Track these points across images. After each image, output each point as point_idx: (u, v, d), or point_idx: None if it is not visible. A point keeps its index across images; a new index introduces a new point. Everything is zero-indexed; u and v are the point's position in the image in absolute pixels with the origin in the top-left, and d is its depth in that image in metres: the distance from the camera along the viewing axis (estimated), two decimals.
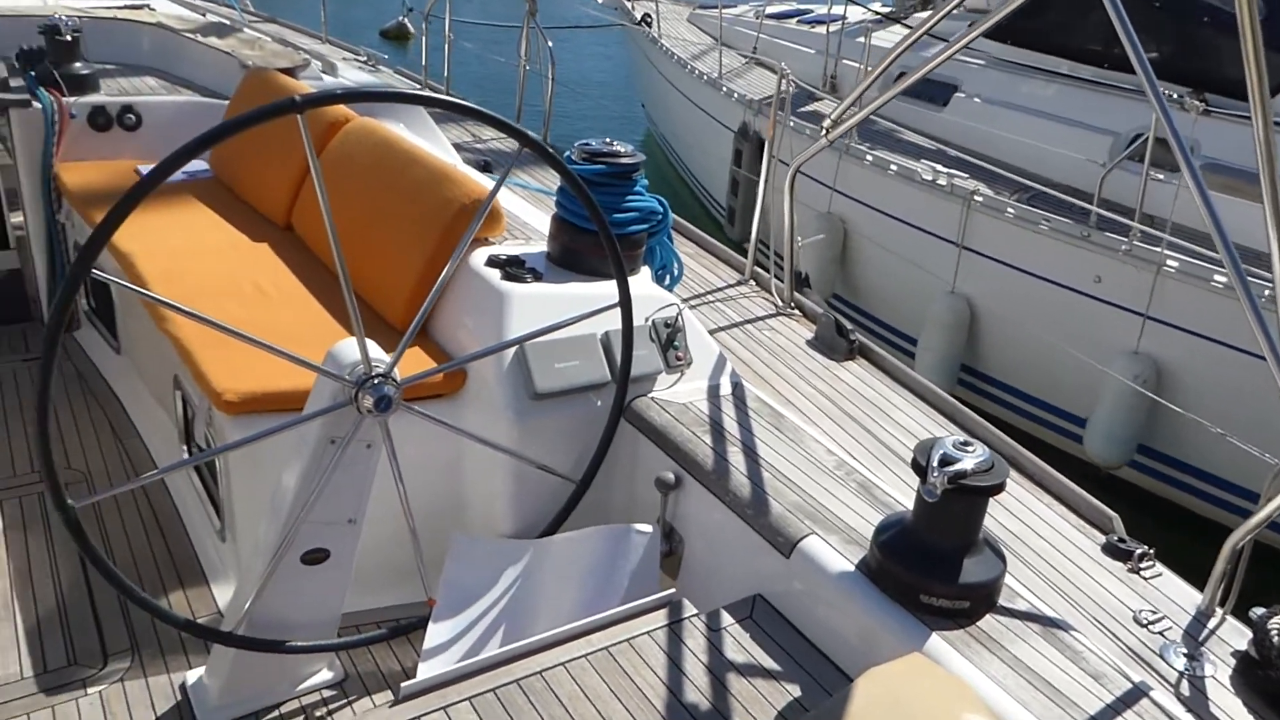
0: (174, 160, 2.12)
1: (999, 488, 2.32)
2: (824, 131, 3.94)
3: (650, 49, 13.03)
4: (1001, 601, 2.41)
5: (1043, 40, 8.69)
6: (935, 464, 2.27)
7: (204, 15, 7.00)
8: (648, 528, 2.92)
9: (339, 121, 4.03)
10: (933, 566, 2.34)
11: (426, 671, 2.59)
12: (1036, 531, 2.85)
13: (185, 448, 3.55)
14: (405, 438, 2.63)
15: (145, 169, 4.59)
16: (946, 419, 3.41)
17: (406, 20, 20.03)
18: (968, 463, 2.28)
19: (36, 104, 4.56)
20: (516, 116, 6.70)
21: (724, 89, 10.45)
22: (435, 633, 2.74)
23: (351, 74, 5.51)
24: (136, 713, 2.72)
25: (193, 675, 2.82)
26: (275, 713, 2.75)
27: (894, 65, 3.77)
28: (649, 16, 13.18)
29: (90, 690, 2.78)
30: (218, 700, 2.71)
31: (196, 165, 4.69)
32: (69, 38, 4.72)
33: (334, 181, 3.72)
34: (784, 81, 4.75)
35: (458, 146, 5.07)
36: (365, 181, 3.65)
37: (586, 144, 3.35)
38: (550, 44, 6.33)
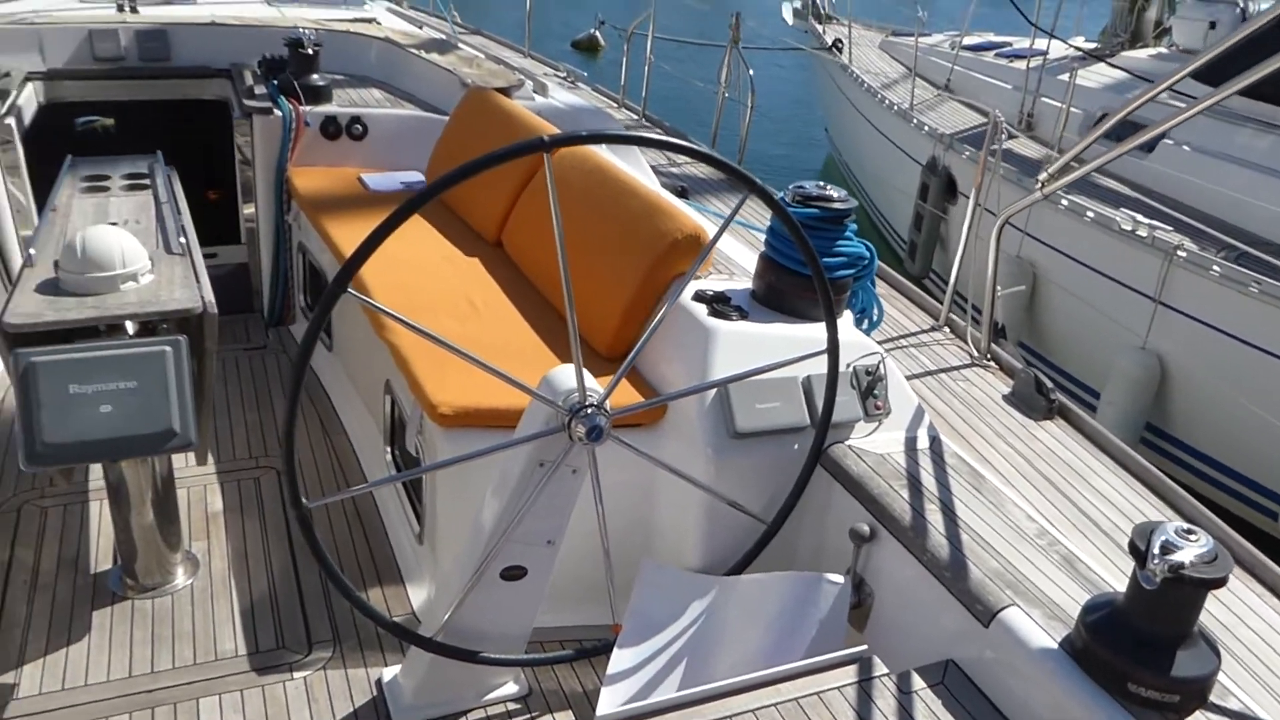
0: (433, 190, 2.24)
1: (1221, 581, 2.22)
2: (1039, 185, 3.85)
3: (839, 75, 12.95)
4: (1213, 699, 2.31)
5: (1259, 88, 8.24)
6: (1156, 550, 2.19)
7: (420, 27, 7.35)
8: (839, 578, 2.91)
9: None
10: (1144, 655, 2.26)
11: (609, 697, 2.66)
12: (1249, 625, 2.71)
13: (389, 449, 3.74)
14: (605, 464, 2.71)
15: (368, 176, 4.87)
16: (1150, 491, 3.28)
17: (598, 33, 20.47)
18: (1190, 553, 2.19)
19: (277, 111, 4.89)
20: (712, 142, 6.77)
21: (914, 121, 10.29)
22: (619, 659, 2.80)
23: (560, 94, 5.68)
24: (336, 702, 2.89)
25: (389, 672, 2.97)
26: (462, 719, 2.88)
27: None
28: (840, 42, 13.10)
29: (296, 675, 2.96)
30: (411, 700, 2.85)
31: (413, 177, 4.94)
32: (310, 51, 5.04)
33: (546, 205, 3.85)
34: (995, 126, 4.66)
35: (654, 169, 5.18)
36: (578, 206, 3.77)
37: (801, 187, 3.37)
38: (751, 72, 6.37)
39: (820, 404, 3.02)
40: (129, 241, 2.98)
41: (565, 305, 3.61)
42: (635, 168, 4.63)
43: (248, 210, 5.10)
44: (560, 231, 2.42)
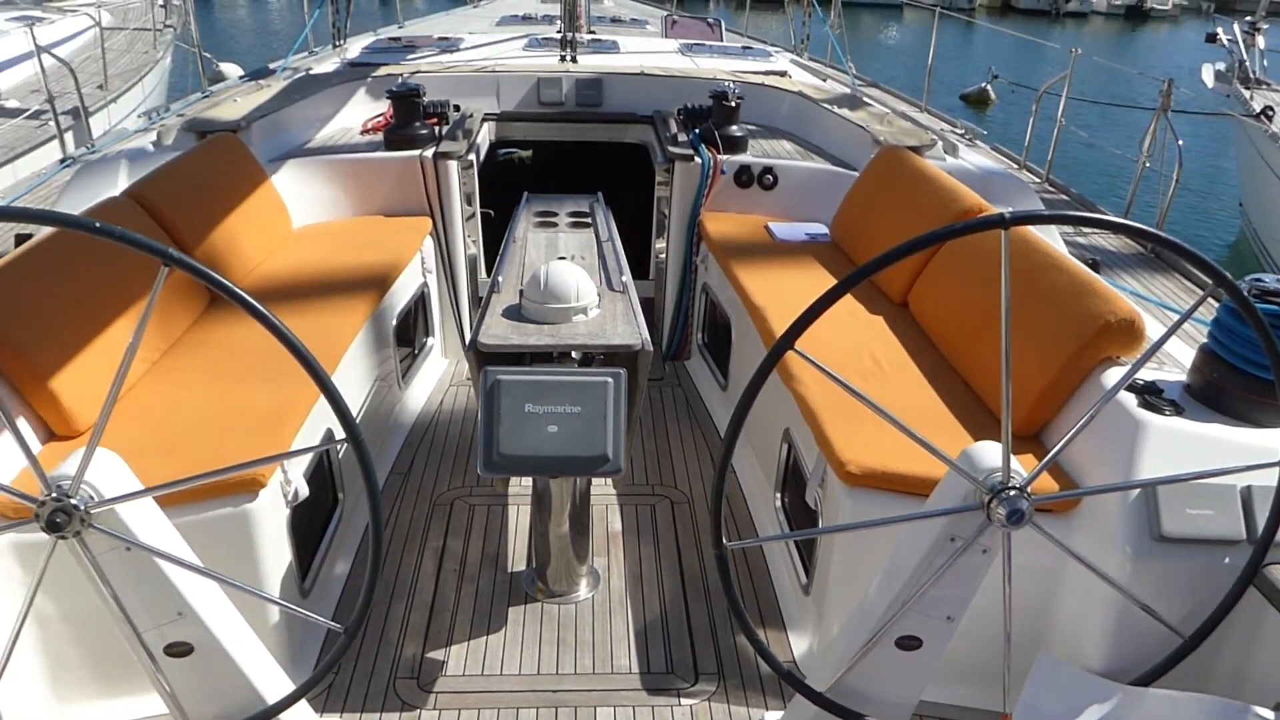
0: (894, 255, 2.27)
1: None
2: None
3: (1265, 145, 11.75)
4: None
5: None
6: None
7: (824, 80, 7.52)
8: (1268, 714, 2.64)
9: (973, 211, 4.12)
10: None
11: None
12: None
13: (779, 495, 3.84)
14: (1014, 546, 2.63)
15: (775, 225, 5.04)
16: None
17: (989, 86, 19.90)
18: None
19: (697, 159, 5.19)
20: (1125, 213, 6.39)
21: None
22: None
23: (970, 155, 5.60)
24: None
25: (771, 716, 3.04)
26: None
27: None
28: (1271, 109, 11.89)
29: (683, 702, 3.11)
30: None
31: (817, 229, 5.05)
32: (733, 104, 5.31)
33: (965, 270, 3.80)
34: None
35: (1062, 237, 4.96)
36: (998, 272, 3.69)
37: (1259, 280, 3.11)
38: (1181, 142, 5.95)
39: (1261, 519, 2.76)
40: (583, 278, 3.28)
41: (975, 373, 3.57)
42: (1048, 235, 4.46)
43: (659, 248, 5.44)
44: (1008, 308, 2.38)
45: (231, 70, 15.36)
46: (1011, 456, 2.43)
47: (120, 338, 3.39)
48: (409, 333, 4.93)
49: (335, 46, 8.62)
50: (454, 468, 4.33)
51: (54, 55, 9.60)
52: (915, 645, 2.70)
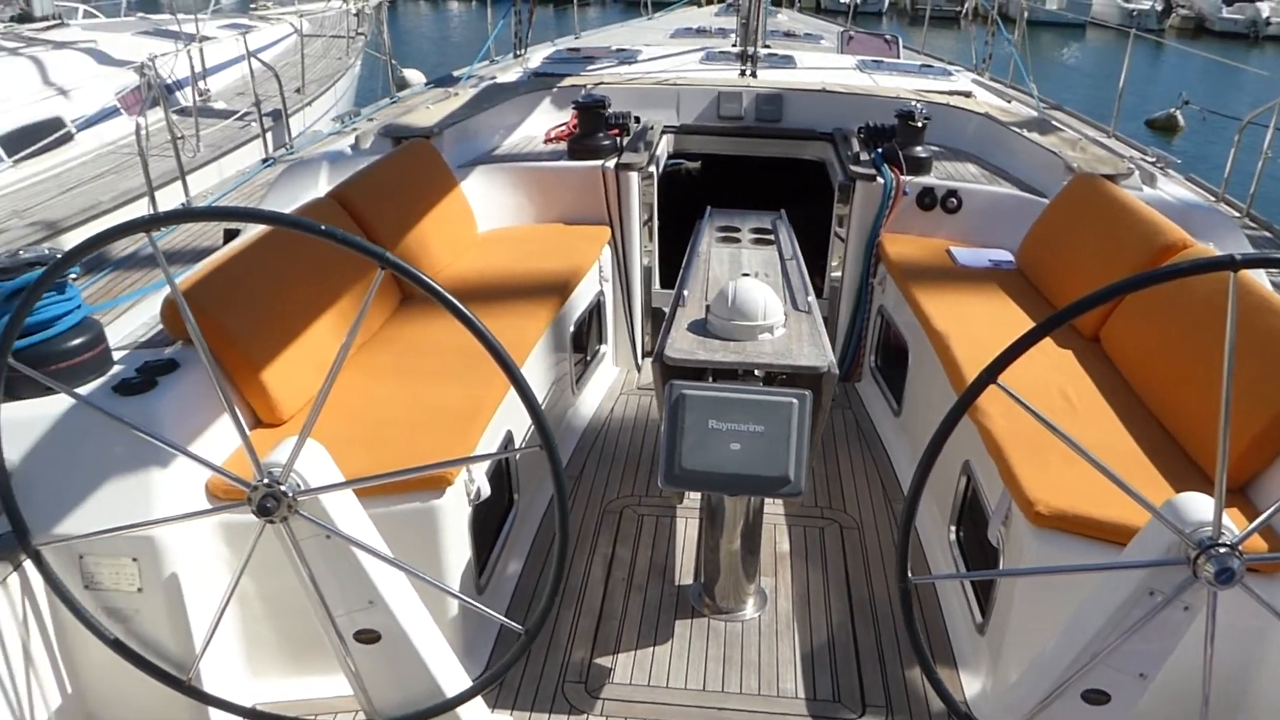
0: (1109, 293, 2.17)
1: None
2: None
3: None
4: None
5: None
6: None
7: (1008, 101, 7.29)
8: None
9: (1178, 247, 3.93)
10: None
11: None
12: None
13: (952, 528, 3.73)
14: (1219, 605, 2.48)
15: (957, 250, 4.91)
16: None
17: (1178, 113, 18.92)
18: None
19: (879, 179, 5.11)
20: None
21: None
22: None
23: (1168, 186, 5.33)
24: None
25: None
26: None
27: None
28: None
29: None
30: None
31: (1002, 256, 4.90)
32: (919, 124, 5.21)
33: (1169, 308, 3.62)
34: None
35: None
36: (1204, 311, 3.50)
37: None
38: None
39: None
40: (771, 297, 3.27)
41: (1174, 417, 3.39)
42: (1256, 273, 4.21)
43: (834, 268, 5.37)
44: (1231, 354, 2.25)
45: (414, 77, 16.00)
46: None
47: (322, 330, 3.56)
48: (583, 339, 5.02)
49: (517, 56, 8.86)
50: (623, 476, 4.38)
51: (261, 61, 10.20)
52: (1103, 700, 2.58)
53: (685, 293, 3.57)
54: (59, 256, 2.37)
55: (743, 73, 6.81)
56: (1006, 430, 3.22)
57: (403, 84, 13.12)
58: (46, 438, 2.84)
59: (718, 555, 3.47)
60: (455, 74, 8.48)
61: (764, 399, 2.97)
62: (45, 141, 9.09)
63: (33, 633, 2.79)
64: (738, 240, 4.19)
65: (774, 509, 4.11)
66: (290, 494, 2.28)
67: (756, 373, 3.23)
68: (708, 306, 3.36)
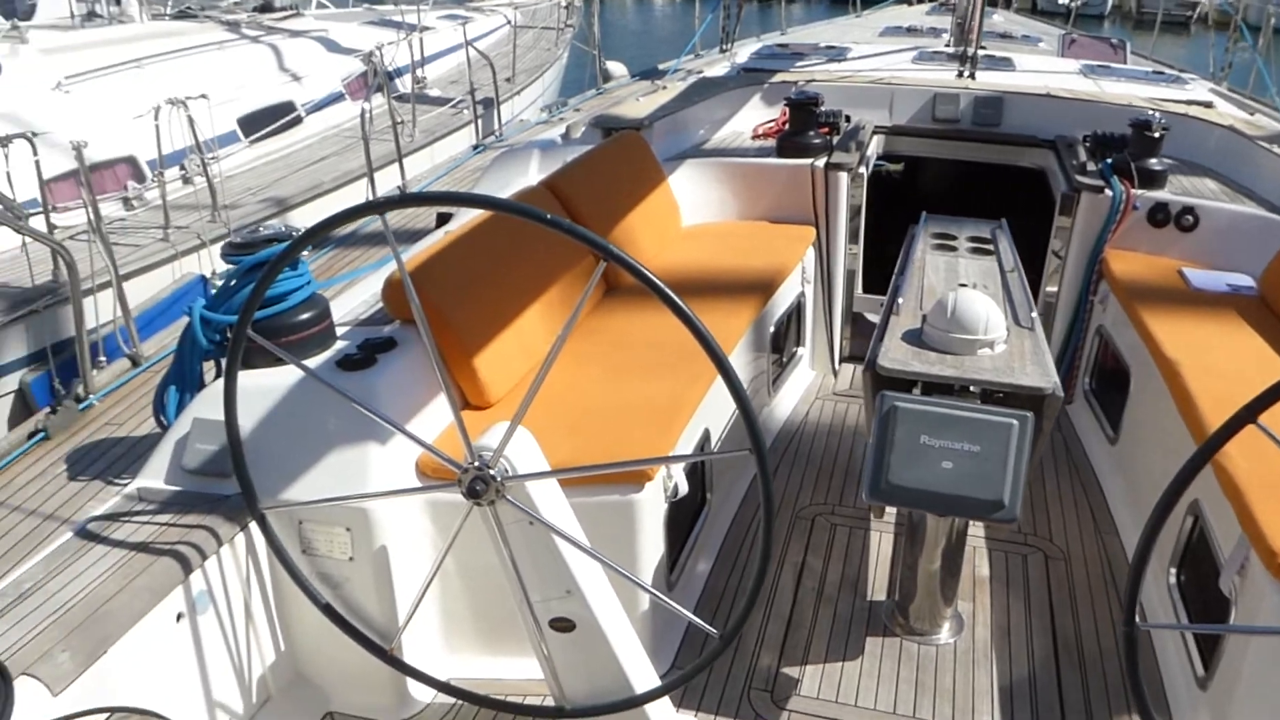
0: None
1: None
2: None
3: None
4: None
5: None
6: None
7: (1251, 113, 6.75)
8: None
9: None
10: None
11: None
12: None
13: (1173, 571, 3.47)
14: None
15: (1190, 272, 4.58)
16: None
17: None
18: None
19: (1108, 191, 4.81)
20: None
21: None
22: None
23: None
24: None
25: None
26: None
27: None
28: None
29: None
30: None
31: (1242, 280, 4.53)
32: (1156, 134, 4.87)
33: None
34: None
35: None
36: None
37: None
38: None
39: None
40: (994, 311, 3.11)
41: None
42: None
43: (1049, 281, 5.10)
44: None
45: (617, 69, 16.20)
46: None
47: (532, 317, 3.62)
48: (781, 340, 4.94)
49: (723, 50, 8.83)
50: (816, 482, 4.29)
51: (478, 50, 10.55)
52: None
53: (900, 300, 3.45)
54: (298, 234, 2.49)
55: (960, 74, 6.56)
56: (1248, 471, 2.96)
57: (606, 76, 13.33)
58: (276, 408, 2.99)
59: (915, 574, 3.34)
60: (661, 67, 8.52)
61: (982, 417, 2.83)
62: (278, 124, 9.68)
63: (254, 591, 2.95)
64: (954, 249, 4.02)
65: (976, 531, 3.93)
66: (499, 479, 2.32)
67: (972, 389, 3.08)
68: (924, 316, 3.23)
